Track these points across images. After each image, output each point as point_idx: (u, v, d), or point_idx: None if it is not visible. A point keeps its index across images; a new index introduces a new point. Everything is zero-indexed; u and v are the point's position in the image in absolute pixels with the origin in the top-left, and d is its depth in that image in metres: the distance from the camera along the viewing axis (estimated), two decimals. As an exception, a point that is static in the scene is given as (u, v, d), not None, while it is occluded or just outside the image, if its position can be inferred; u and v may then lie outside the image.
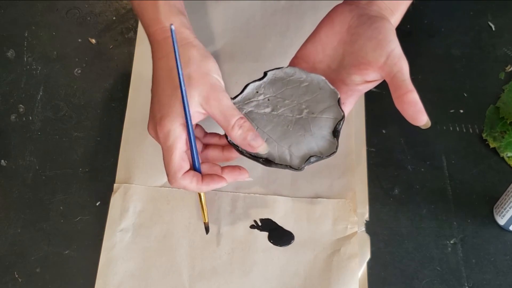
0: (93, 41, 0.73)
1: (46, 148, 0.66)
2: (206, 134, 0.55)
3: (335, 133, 0.51)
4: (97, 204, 0.63)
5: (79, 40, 0.73)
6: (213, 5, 0.73)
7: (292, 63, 0.55)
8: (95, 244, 0.60)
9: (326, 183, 0.62)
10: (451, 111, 0.65)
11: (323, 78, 0.52)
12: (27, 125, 0.68)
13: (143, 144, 0.65)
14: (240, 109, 0.52)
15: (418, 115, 0.47)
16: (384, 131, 0.65)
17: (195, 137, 0.51)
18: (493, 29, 0.70)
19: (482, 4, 0.71)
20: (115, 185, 0.63)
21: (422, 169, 0.63)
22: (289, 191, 0.62)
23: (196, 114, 0.50)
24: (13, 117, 0.68)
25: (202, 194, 0.55)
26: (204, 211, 0.56)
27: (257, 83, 0.53)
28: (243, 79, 0.67)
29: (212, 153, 0.54)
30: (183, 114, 0.49)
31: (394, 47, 0.48)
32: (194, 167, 0.52)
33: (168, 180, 0.51)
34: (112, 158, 0.65)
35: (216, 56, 0.70)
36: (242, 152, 0.51)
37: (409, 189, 0.62)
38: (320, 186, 0.62)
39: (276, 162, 0.50)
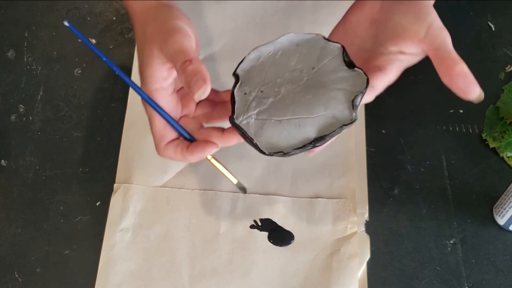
0: (93, 41, 0.73)
1: (46, 148, 0.66)
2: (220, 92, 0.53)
3: (350, 65, 0.47)
4: (97, 204, 0.63)
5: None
6: (213, 5, 0.73)
7: None
8: (95, 244, 0.60)
9: (326, 183, 0.62)
10: (451, 111, 0.65)
11: (290, 34, 0.49)
12: (27, 125, 0.68)
13: (143, 144, 0.65)
14: (248, 122, 0.47)
15: (470, 87, 0.43)
16: (384, 131, 0.65)
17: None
18: (493, 29, 0.70)
19: (482, 4, 0.71)
20: (115, 185, 0.63)
21: (422, 169, 0.63)
22: (289, 191, 0.62)
23: (168, 70, 0.48)
24: (13, 117, 0.68)
25: (211, 159, 0.52)
26: (226, 173, 0.53)
27: (238, 88, 0.48)
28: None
29: (219, 112, 0.51)
30: (155, 80, 0.47)
31: (433, 18, 0.46)
32: (183, 136, 0.50)
33: (156, 151, 0.50)
34: (112, 158, 0.65)
35: (216, 56, 0.70)
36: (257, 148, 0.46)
37: (409, 189, 0.62)
38: (320, 186, 0.62)
39: (328, 133, 0.45)
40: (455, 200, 0.61)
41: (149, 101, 0.48)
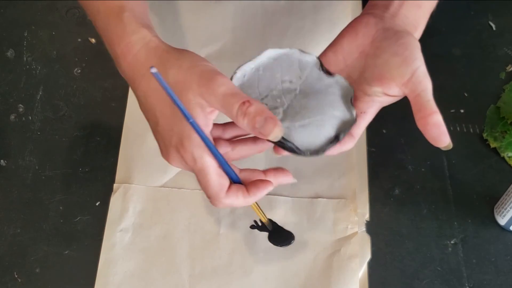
0: (93, 40, 0.72)
1: (46, 148, 0.66)
2: (226, 125, 0.49)
3: (328, 73, 0.50)
4: (97, 204, 0.63)
5: (79, 40, 0.73)
6: (213, 5, 0.73)
7: None
8: (95, 244, 0.60)
9: (326, 183, 0.62)
10: (452, 111, 0.65)
11: (268, 50, 0.50)
12: (26, 125, 0.67)
13: (143, 144, 0.64)
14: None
15: (441, 137, 0.46)
16: (384, 131, 0.65)
17: (219, 141, 0.48)
18: (494, 28, 0.70)
19: (482, 3, 0.71)
20: (115, 185, 0.63)
21: (423, 169, 0.62)
22: (289, 191, 0.62)
23: (208, 115, 0.45)
24: (12, 117, 0.68)
25: None
26: (260, 212, 0.55)
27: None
28: (243, 79, 0.68)
29: (243, 149, 0.49)
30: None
31: (420, 65, 0.47)
32: (233, 180, 0.48)
33: (212, 202, 0.47)
34: (112, 158, 0.65)
35: (216, 56, 0.70)
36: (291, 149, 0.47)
37: (410, 189, 0.62)
38: (320, 186, 0.62)
39: (345, 128, 0.48)
40: (456, 200, 0.61)
41: (213, 150, 0.45)
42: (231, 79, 0.49)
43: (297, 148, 0.47)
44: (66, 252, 0.60)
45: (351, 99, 0.49)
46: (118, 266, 0.59)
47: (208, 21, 0.72)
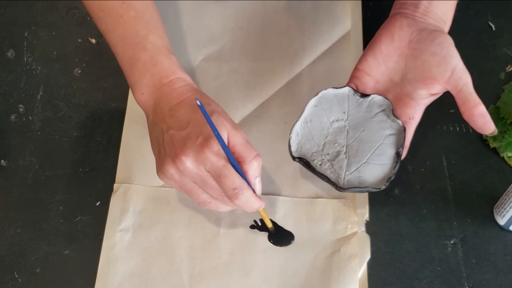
0: (93, 41, 0.73)
1: (46, 148, 0.66)
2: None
3: (363, 95, 0.55)
4: (97, 204, 0.63)
5: (79, 40, 0.73)
6: (213, 5, 0.73)
7: (354, 75, 0.57)
8: (95, 244, 0.60)
9: (326, 183, 0.62)
10: (451, 111, 0.65)
11: (309, 102, 0.56)
12: (27, 125, 0.68)
13: (143, 144, 0.64)
14: (349, 180, 0.55)
15: (487, 126, 0.51)
16: (384, 131, 0.65)
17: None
18: (493, 29, 0.70)
19: (482, 4, 0.71)
20: (115, 185, 0.63)
21: (422, 169, 0.62)
22: (289, 191, 0.62)
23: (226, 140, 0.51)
24: (13, 117, 0.68)
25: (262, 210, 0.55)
26: (267, 218, 0.58)
27: (312, 164, 0.56)
28: (243, 79, 0.68)
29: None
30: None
31: (457, 62, 0.52)
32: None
33: (235, 195, 0.50)
34: (112, 158, 0.65)
35: (216, 56, 0.70)
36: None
37: (409, 189, 0.62)
38: (320, 186, 0.62)
39: (402, 142, 0.54)
40: (456, 200, 0.61)
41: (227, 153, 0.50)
42: (289, 145, 0.56)
43: (373, 191, 0.54)
44: (66, 252, 0.61)
45: (392, 110, 0.54)
46: (118, 266, 0.59)
47: (208, 21, 0.72)
